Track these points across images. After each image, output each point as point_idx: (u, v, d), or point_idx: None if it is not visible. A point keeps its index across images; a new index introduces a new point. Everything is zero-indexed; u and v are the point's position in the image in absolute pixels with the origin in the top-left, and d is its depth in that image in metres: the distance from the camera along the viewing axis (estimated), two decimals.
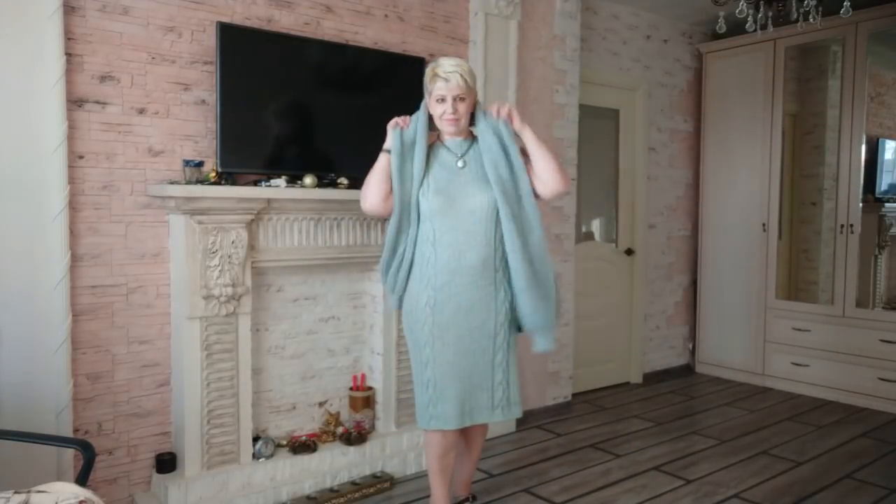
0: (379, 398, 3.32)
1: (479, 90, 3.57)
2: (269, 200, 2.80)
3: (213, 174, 2.72)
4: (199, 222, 2.65)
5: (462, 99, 2.35)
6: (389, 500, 2.99)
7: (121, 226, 2.68)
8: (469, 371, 2.45)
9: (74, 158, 2.55)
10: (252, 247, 2.82)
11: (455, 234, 2.41)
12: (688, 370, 5.43)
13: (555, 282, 2.51)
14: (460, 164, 2.46)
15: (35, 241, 2.42)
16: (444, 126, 2.40)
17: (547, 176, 2.45)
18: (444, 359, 2.42)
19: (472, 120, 2.50)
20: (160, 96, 2.73)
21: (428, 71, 2.39)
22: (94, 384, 2.65)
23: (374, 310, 3.34)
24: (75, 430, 2.58)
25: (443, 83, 2.32)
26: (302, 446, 3.02)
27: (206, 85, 2.83)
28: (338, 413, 3.29)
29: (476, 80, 2.43)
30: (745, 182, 5.00)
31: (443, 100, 2.35)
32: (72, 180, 2.52)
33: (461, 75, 2.32)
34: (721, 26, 3.45)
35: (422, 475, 3.22)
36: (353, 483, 3.02)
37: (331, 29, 3.17)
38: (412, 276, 2.49)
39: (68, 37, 2.50)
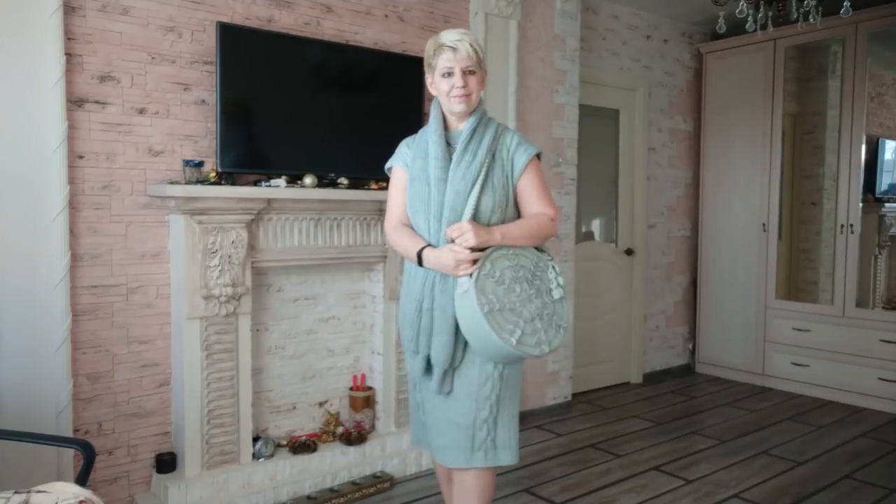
0: (379, 398, 3.32)
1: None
2: (269, 200, 2.80)
3: (213, 174, 2.73)
4: (199, 222, 2.65)
5: (472, 72, 1.96)
6: (389, 500, 2.99)
7: (121, 226, 2.68)
8: (454, 405, 1.98)
9: (74, 158, 2.55)
10: (252, 247, 2.82)
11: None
12: (688, 370, 5.42)
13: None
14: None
15: (35, 241, 2.42)
16: (453, 105, 1.97)
17: None
18: (424, 383, 2.06)
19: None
20: (160, 96, 2.73)
21: (430, 44, 2.00)
22: (94, 384, 2.65)
23: (374, 310, 3.34)
24: (75, 430, 2.58)
25: (450, 53, 1.93)
26: (302, 446, 3.02)
27: (206, 85, 2.83)
28: (338, 413, 3.29)
29: (485, 56, 2.05)
30: (745, 182, 5.00)
31: (450, 73, 1.95)
32: (72, 180, 2.52)
33: (470, 44, 1.95)
34: (721, 26, 3.46)
35: (421, 475, 3.22)
36: (353, 483, 3.02)
37: (331, 29, 3.18)
38: (404, 282, 2.11)
39: (68, 37, 2.50)
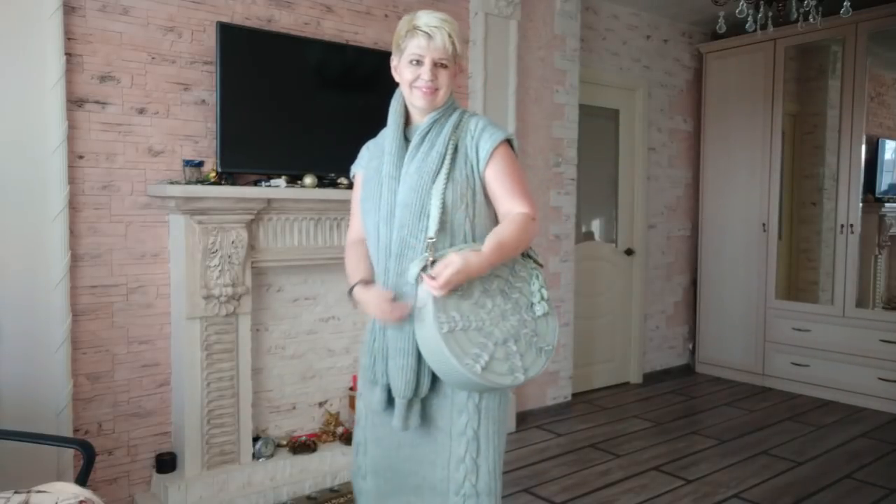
0: None
1: (478, 90, 3.60)
2: (269, 200, 2.80)
3: (213, 174, 2.73)
4: (199, 222, 2.65)
5: (444, 66, 1.67)
6: None
7: (121, 226, 2.68)
8: (422, 442, 1.69)
9: (74, 158, 2.55)
10: (252, 247, 2.82)
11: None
12: (688, 370, 5.42)
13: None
14: None
15: (35, 241, 2.42)
16: (415, 98, 1.69)
17: None
18: (381, 415, 1.73)
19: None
20: (160, 96, 2.74)
21: (403, 23, 1.70)
22: (94, 384, 2.65)
23: None
24: (75, 430, 2.58)
25: (423, 39, 1.65)
26: (302, 446, 3.02)
27: (206, 85, 2.83)
28: (338, 413, 3.29)
29: (463, 50, 1.78)
30: (745, 182, 5.00)
31: (419, 62, 1.66)
32: (72, 180, 2.52)
33: (449, 34, 1.66)
34: (721, 26, 3.45)
35: None
36: None
37: (331, 29, 3.18)
38: None
39: (68, 37, 2.50)
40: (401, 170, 1.67)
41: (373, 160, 1.76)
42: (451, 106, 1.73)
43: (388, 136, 1.73)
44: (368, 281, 1.70)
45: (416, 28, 1.66)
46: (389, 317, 1.58)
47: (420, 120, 1.73)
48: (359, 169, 1.84)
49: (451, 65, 1.69)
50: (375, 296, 1.62)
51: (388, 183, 1.67)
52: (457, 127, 1.70)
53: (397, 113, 1.74)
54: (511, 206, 1.67)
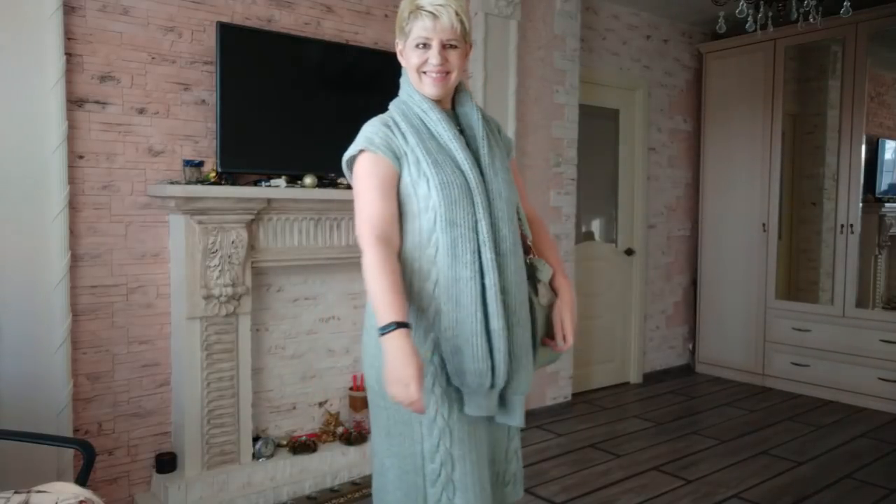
0: None
1: (478, 90, 3.60)
2: (269, 200, 2.80)
3: (213, 174, 2.73)
4: (199, 222, 2.65)
5: (454, 46, 1.55)
6: None
7: (121, 226, 2.68)
8: (490, 440, 1.66)
9: (74, 158, 2.55)
10: (252, 247, 2.82)
11: None
12: (688, 370, 5.42)
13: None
14: None
15: (35, 241, 2.42)
16: (425, 84, 1.58)
17: None
18: (464, 427, 1.55)
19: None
20: (160, 96, 2.74)
21: (404, 5, 1.58)
22: (94, 384, 2.65)
23: None
24: (75, 430, 2.58)
25: (429, 20, 1.52)
26: (302, 446, 3.02)
27: (206, 85, 2.83)
28: (338, 413, 3.29)
29: (471, 28, 1.64)
30: (745, 182, 5.00)
31: (426, 45, 1.54)
32: (72, 180, 2.53)
33: (456, 12, 1.53)
34: (721, 26, 3.46)
35: None
36: (353, 483, 3.02)
37: (331, 29, 3.18)
38: (421, 297, 1.58)
39: (68, 37, 2.50)
40: (471, 157, 1.57)
41: (424, 141, 1.56)
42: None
43: (436, 118, 1.58)
44: (408, 326, 1.42)
45: (419, 8, 1.53)
46: (416, 406, 1.38)
47: (445, 105, 1.64)
48: (384, 152, 1.58)
49: (460, 45, 1.57)
50: (416, 375, 1.36)
51: (473, 172, 1.54)
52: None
53: (424, 98, 1.60)
54: (526, 205, 1.79)
